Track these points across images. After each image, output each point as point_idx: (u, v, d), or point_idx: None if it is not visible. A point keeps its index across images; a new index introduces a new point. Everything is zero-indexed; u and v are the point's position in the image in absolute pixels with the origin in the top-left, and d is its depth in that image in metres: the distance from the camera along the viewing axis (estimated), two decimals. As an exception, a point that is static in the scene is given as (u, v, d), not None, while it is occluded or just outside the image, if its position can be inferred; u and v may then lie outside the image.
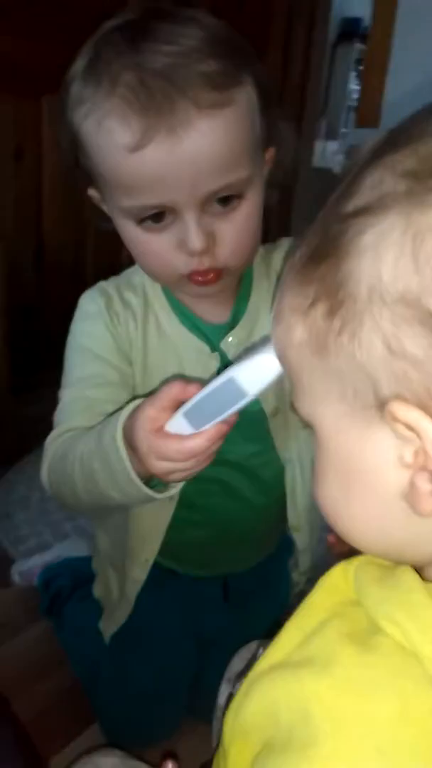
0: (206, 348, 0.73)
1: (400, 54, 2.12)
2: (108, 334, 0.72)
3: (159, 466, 0.56)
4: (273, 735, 0.32)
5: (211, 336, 0.75)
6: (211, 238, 0.63)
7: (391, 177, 0.31)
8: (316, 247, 0.34)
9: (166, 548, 0.82)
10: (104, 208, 0.71)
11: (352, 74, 5.44)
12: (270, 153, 0.70)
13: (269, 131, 0.67)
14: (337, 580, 0.39)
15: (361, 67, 2.78)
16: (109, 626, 0.89)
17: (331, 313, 0.32)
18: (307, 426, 0.38)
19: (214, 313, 0.75)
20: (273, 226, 3.24)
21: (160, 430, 0.55)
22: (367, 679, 0.31)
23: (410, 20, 2.08)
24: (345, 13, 5.36)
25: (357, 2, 5.17)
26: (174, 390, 0.55)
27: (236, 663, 0.55)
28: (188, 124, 0.57)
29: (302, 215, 3.98)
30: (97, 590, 0.94)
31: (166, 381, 0.63)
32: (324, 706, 0.31)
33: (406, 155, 0.31)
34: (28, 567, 1.19)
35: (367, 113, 2.21)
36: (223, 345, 0.74)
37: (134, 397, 0.68)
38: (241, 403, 0.50)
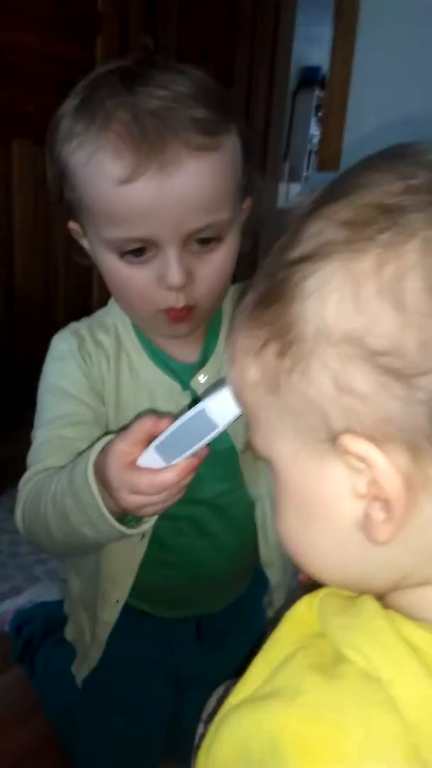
0: (177, 386, 0.74)
1: (357, 100, 2.21)
2: (81, 374, 0.73)
3: (131, 500, 0.56)
4: None
5: (182, 374, 0.76)
6: (189, 275, 0.65)
7: (331, 227, 0.33)
8: (264, 291, 0.36)
9: (137, 590, 0.80)
10: (84, 242, 0.72)
11: (313, 119, 5.65)
12: (247, 202, 0.72)
13: (248, 181, 0.70)
14: (302, 613, 0.39)
15: (320, 113, 2.87)
16: (82, 669, 0.87)
17: (282, 353, 0.34)
18: (266, 462, 0.40)
19: (185, 352, 0.76)
20: (238, 265, 3.29)
21: (132, 465, 0.56)
22: (332, 707, 0.31)
23: (367, 67, 2.17)
24: (304, 62, 5.58)
25: (316, 52, 5.38)
26: (146, 424, 0.56)
27: (212, 703, 0.55)
28: (179, 163, 0.59)
29: (267, 254, 4.04)
30: (69, 633, 0.93)
31: (139, 416, 0.63)
32: (292, 736, 0.31)
33: (344, 206, 0.33)
34: (0, 612, 1.17)
35: (328, 157, 2.28)
36: (193, 383, 0.75)
37: (107, 433, 0.68)
38: (211, 435, 0.51)
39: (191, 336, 0.74)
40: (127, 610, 0.82)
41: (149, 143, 0.59)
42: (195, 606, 0.90)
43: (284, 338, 0.34)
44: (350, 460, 0.32)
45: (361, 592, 0.37)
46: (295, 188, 4.93)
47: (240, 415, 0.48)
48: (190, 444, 0.52)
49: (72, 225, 0.71)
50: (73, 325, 0.78)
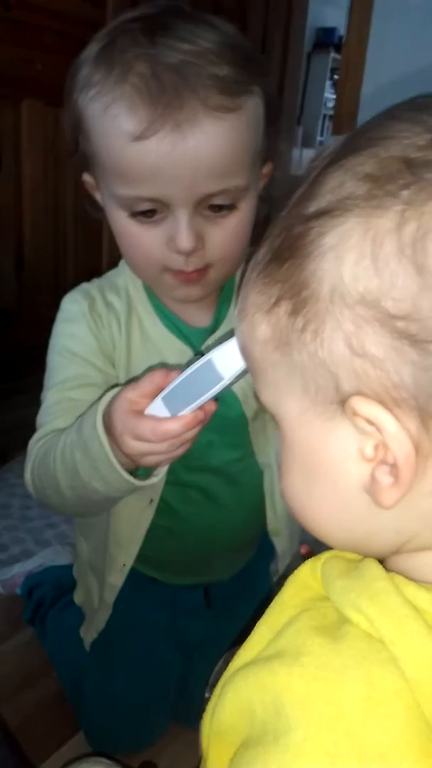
0: (188, 350, 0.73)
1: (374, 62, 2.15)
2: (91, 336, 0.72)
3: (133, 445, 0.56)
4: (249, 733, 0.33)
5: (193, 339, 0.75)
6: (200, 240, 0.63)
7: (352, 180, 0.32)
8: (279, 247, 0.35)
9: (146, 557, 0.81)
10: (97, 196, 0.70)
11: (328, 83, 5.53)
12: (268, 167, 0.70)
13: (270, 146, 0.68)
14: (305, 577, 0.39)
15: (336, 76, 2.81)
16: (90, 632, 0.88)
17: (295, 311, 0.33)
18: (273, 418, 0.39)
19: (196, 317, 0.75)
20: (252, 232, 3.25)
21: (137, 412, 0.56)
22: (335, 666, 0.31)
23: (385, 28, 2.11)
24: (320, 23, 5.45)
25: (331, 12, 5.25)
26: (156, 377, 0.56)
27: (219, 669, 0.55)
28: (194, 122, 0.58)
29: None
30: (78, 597, 0.93)
31: (150, 369, 0.63)
32: (295, 695, 0.31)
33: (366, 159, 0.32)
34: (11, 576, 1.18)
35: (343, 121, 2.23)
36: (204, 348, 0.74)
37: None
38: (217, 387, 0.50)
39: (204, 301, 0.73)
40: (136, 575, 0.82)
41: (166, 100, 0.57)
42: (203, 573, 0.90)
43: (298, 297, 0.33)
44: (359, 422, 0.32)
45: (363, 554, 0.37)
46: (309, 153, 4.85)
47: (246, 369, 0.47)
48: (196, 396, 0.52)
49: (86, 177, 0.70)
50: (84, 285, 0.76)
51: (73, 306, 0.74)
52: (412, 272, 0.29)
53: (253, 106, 0.62)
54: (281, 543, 0.85)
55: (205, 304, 0.74)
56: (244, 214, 0.66)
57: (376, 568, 0.34)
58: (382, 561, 0.36)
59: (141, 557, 0.80)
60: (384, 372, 0.30)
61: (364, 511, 0.34)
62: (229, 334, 0.48)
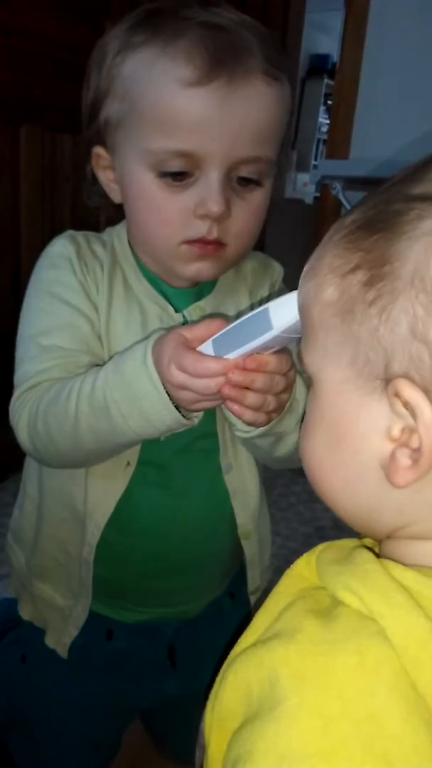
0: (170, 308, 0.72)
1: (367, 88, 2.19)
2: (77, 282, 0.69)
3: (175, 374, 0.55)
4: (246, 713, 0.34)
5: (174, 299, 0.73)
6: (227, 208, 0.63)
7: None
8: (372, 218, 0.36)
9: (104, 581, 0.75)
10: (105, 175, 0.69)
11: (322, 108, 5.61)
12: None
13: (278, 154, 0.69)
14: (300, 570, 0.41)
15: (329, 102, 2.85)
16: (66, 632, 0.78)
17: (369, 283, 0.34)
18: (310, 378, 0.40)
19: (179, 283, 0.73)
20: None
21: (187, 346, 0.55)
22: (328, 640, 0.33)
23: (377, 55, 2.15)
24: (313, 50, 5.53)
25: (325, 40, 5.34)
26: (213, 323, 0.55)
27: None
28: (248, 80, 0.59)
29: (275, 245, 4.04)
30: (26, 611, 0.83)
31: (128, 321, 0.66)
32: (290, 668, 0.33)
33: None
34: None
35: (337, 146, 2.27)
36: (189, 311, 0.73)
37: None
38: (264, 337, 0.50)
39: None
40: (89, 630, 0.77)
41: (223, 53, 0.58)
42: (166, 601, 0.81)
43: (378, 269, 0.34)
44: (396, 403, 0.33)
45: (364, 529, 0.40)
46: (303, 177, 4.90)
47: (297, 330, 0.48)
48: (243, 342, 0.52)
49: (99, 151, 0.68)
50: (70, 231, 0.74)
51: (59, 249, 0.71)
52: None
53: (287, 87, 0.64)
54: (251, 548, 0.81)
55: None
56: (265, 195, 0.66)
57: (366, 554, 0.37)
58: (377, 545, 0.40)
59: (98, 584, 0.75)
60: None
61: (375, 486, 0.36)
62: (287, 290, 0.48)
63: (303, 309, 0.40)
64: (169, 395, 0.57)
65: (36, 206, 1.87)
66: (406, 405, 0.33)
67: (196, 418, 0.61)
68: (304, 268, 0.40)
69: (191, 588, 0.81)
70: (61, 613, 0.78)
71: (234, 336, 0.53)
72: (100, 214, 0.77)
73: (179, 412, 0.58)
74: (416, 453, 0.33)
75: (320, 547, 0.41)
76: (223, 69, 0.58)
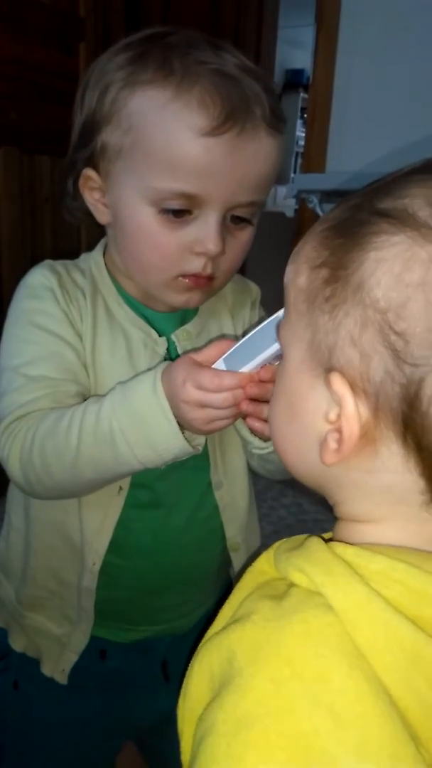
0: (153, 332, 0.72)
1: (341, 101, 2.22)
2: (59, 310, 0.70)
3: (193, 393, 0.56)
4: (211, 695, 0.36)
5: (156, 322, 0.74)
6: (223, 248, 0.65)
7: (424, 200, 0.36)
8: (343, 220, 0.39)
9: (101, 605, 0.75)
10: (92, 196, 0.70)
11: (299, 122, 5.67)
12: None
13: None
14: (261, 566, 0.44)
15: (306, 116, 2.88)
16: (61, 662, 0.77)
17: (328, 281, 0.38)
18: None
19: (159, 306, 0.74)
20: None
21: (201, 366, 0.58)
22: (278, 616, 0.36)
23: (349, 69, 2.18)
24: (288, 65, 5.61)
25: (300, 54, 5.41)
26: (222, 344, 0.59)
27: None
28: (256, 133, 0.62)
29: (255, 256, 4.06)
30: (18, 642, 0.81)
31: (114, 349, 0.69)
32: (244, 644, 0.36)
33: None
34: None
35: (312, 158, 2.29)
36: (174, 336, 0.74)
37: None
38: (275, 346, 0.53)
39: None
40: (85, 651, 0.76)
41: (236, 105, 0.60)
42: (158, 618, 0.81)
43: (336, 271, 0.37)
44: (332, 391, 0.37)
45: (321, 492, 0.44)
46: (282, 191, 4.93)
47: None
48: (255, 354, 0.55)
49: (89, 173, 0.69)
50: (49, 261, 0.74)
51: (39, 280, 0.71)
52: (422, 304, 0.34)
53: (283, 137, 0.67)
54: (239, 559, 0.82)
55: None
56: (252, 233, 0.69)
57: (315, 540, 0.41)
58: (336, 504, 0.44)
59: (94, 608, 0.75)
60: (365, 365, 0.36)
61: (317, 458, 0.40)
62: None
63: (285, 287, 0.44)
64: (179, 422, 0.59)
65: (16, 228, 1.88)
66: (337, 395, 0.37)
67: (200, 446, 0.63)
68: (295, 249, 0.44)
69: (184, 603, 0.82)
70: (57, 642, 0.78)
71: (244, 351, 0.56)
72: (80, 235, 0.77)
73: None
74: (341, 438, 0.37)
75: (278, 543, 0.45)
76: (236, 121, 0.60)
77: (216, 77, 0.61)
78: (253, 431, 0.64)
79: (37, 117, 1.84)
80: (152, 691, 0.82)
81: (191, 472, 0.76)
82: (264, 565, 0.44)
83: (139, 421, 0.60)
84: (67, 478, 0.65)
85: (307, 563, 0.38)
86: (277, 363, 0.56)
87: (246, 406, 0.57)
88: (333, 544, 0.39)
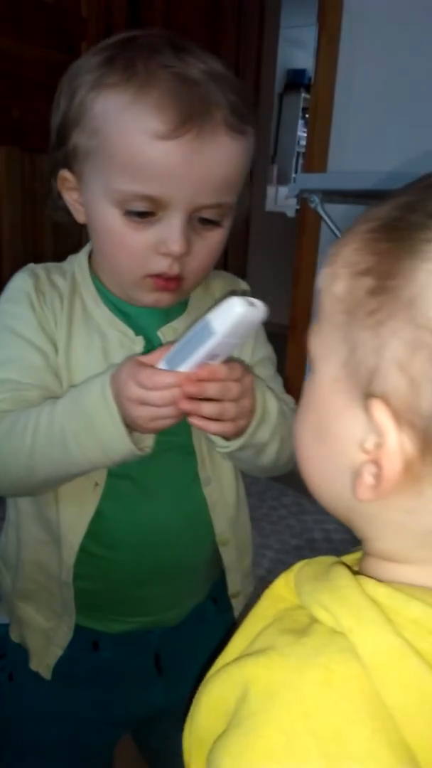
0: (130, 331, 0.73)
1: (343, 101, 2.22)
2: (32, 315, 0.71)
3: (133, 390, 0.58)
4: (223, 730, 0.34)
5: (139, 318, 0.75)
6: (188, 246, 0.66)
7: None
8: (393, 220, 0.34)
9: (82, 592, 0.75)
10: (69, 195, 0.72)
11: (300, 122, 5.67)
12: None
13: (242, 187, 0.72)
14: (279, 589, 0.41)
15: (308, 116, 2.88)
16: (49, 654, 0.78)
17: (374, 292, 0.33)
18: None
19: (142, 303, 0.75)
20: (231, 267, 3.30)
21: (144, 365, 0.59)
22: (298, 655, 0.33)
23: (351, 69, 2.18)
24: (290, 65, 5.61)
25: (301, 54, 5.41)
26: (165, 348, 0.59)
27: None
28: (214, 136, 0.62)
29: (257, 257, 4.07)
30: (14, 633, 0.84)
31: (90, 349, 0.69)
32: (260, 683, 0.33)
33: None
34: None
35: (314, 158, 2.29)
36: (161, 332, 0.75)
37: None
38: (209, 344, 0.53)
39: None
40: (75, 642, 0.77)
41: (193, 108, 0.61)
42: (150, 607, 0.81)
43: (383, 281, 0.33)
44: (372, 419, 0.33)
45: (345, 522, 0.40)
46: (284, 191, 4.94)
47: (235, 326, 0.51)
48: (192, 353, 0.55)
49: (65, 174, 0.70)
50: (31, 265, 0.76)
51: (17, 283, 0.74)
52: None
53: (250, 136, 0.67)
54: (228, 554, 0.82)
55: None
56: (223, 234, 0.69)
57: (342, 570, 0.36)
58: (355, 567, 0.40)
59: (81, 597, 0.76)
60: (413, 395, 0.31)
61: (348, 490, 0.35)
62: (226, 295, 0.51)
63: (319, 293, 0.39)
64: (126, 424, 0.60)
65: (17, 226, 1.88)
66: (378, 425, 0.32)
67: (149, 449, 0.64)
68: (330, 250, 0.39)
69: (172, 595, 0.82)
70: (44, 635, 0.79)
71: (182, 350, 0.56)
72: (81, 234, 0.78)
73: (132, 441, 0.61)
74: (380, 474, 0.33)
75: (298, 565, 0.41)
76: (193, 124, 0.60)
77: (175, 81, 0.61)
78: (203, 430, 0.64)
79: (39, 116, 1.84)
80: (145, 684, 0.82)
81: (176, 464, 0.77)
82: (282, 590, 0.41)
83: (88, 423, 0.62)
84: (21, 476, 0.67)
85: (335, 602, 0.34)
86: (216, 362, 0.57)
87: (184, 405, 0.57)
88: (363, 580, 0.35)
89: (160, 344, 0.74)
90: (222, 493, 0.80)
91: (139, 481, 0.76)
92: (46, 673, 0.79)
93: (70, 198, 0.71)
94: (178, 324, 0.76)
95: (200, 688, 0.38)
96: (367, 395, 0.33)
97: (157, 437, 0.70)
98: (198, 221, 0.66)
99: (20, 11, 1.80)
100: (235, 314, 0.51)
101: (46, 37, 1.90)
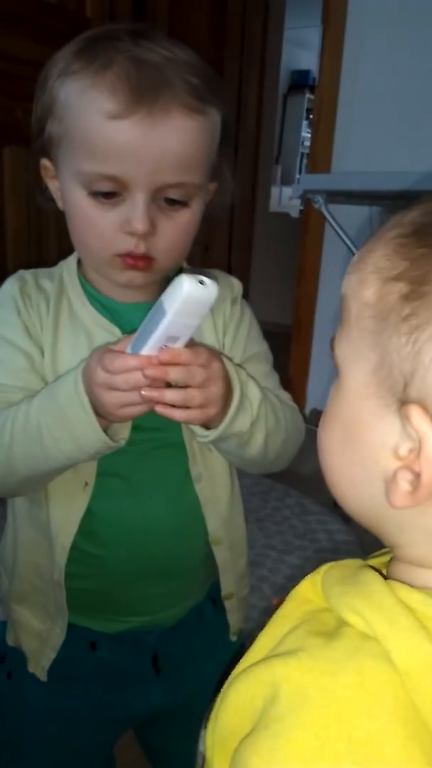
0: (117, 330, 0.74)
1: (347, 102, 2.22)
2: (18, 319, 0.73)
3: (100, 375, 0.59)
4: (250, 729, 0.34)
5: (127, 313, 0.75)
6: (153, 225, 0.67)
7: None
8: (424, 227, 0.34)
9: (85, 595, 0.76)
10: (53, 184, 0.74)
11: (304, 123, 5.67)
12: (213, 186, 0.75)
13: (219, 166, 0.73)
14: (305, 592, 0.41)
15: (312, 116, 2.89)
16: (44, 656, 0.78)
17: (408, 298, 0.33)
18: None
19: (133, 298, 0.76)
20: (235, 267, 3.30)
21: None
22: (329, 658, 0.33)
23: (355, 69, 2.18)
24: (294, 66, 5.61)
25: (305, 55, 5.41)
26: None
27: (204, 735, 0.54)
28: (167, 114, 0.63)
29: (261, 257, 4.06)
30: (11, 636, 0.83)
31: (75, 349, 0.70)
32: (291, 685, 0.33)
33: None
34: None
35: (319, 160, 2.29)
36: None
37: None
38: (163, 324, 0.54)
39: (142, 291, 0.74)
40: (71, 643, 0.77)
41: (144, 90, 0.62)
42: (146, 607, 0.81)
43: (418, 286, 0.32)
44: (407, 426, 0.33)
45: (372, 530, 0.39)
46: (288, 191, 4.94)
47: (184, 304, 0.52)
48: (149, 335, 0.56)
49: (45, 163, 0.73)
50: (21, 271, 0.78)
51: (6, 289, 0.75)
52: None
53: (213, 116, 0.68)
54: (222, 554, 0.81)
55: (143, 293, 0.76)
56: (193, 215, 0.70)
57: (372, 574, 0.36)
58: (383, 570, 0.39)
59: (77, 597, 0.76)
60: None
61: (379, 496, 0.35)
62: (177, 274, 0.52)
63: (344, 298, 0.38)
64: (99, 414, 0.61)
65: (22, 227, 1.88)
66: (416, 432, 0.32)
67: (123, 440, 0.65)
68: (355, 256, 0.39)
69: (168, 594, 0.82)
70: (38, 638, 0.79)
71: (142, 334, 0.57)
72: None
73: (108, 434, 0.62)
74: (416, 480, 0.33)
75: (325, 567, 0.41)
76: (143, 103, 0.62)
77: (131, 64, 0.63)
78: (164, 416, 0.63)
79: (43, 116, 1.84)
80: (143, 684, 0.82)
81: (167, 461, 0.77)
82: (309, 592, 0.41)
83: (61, 416, 0.63)
84: (2, 475, 0.69)
85: (367, 607, 0.34)
86: (178, 345, 0.57)
87: (147, 391, 0.58)
88: (395, 585, 0.35)
89: None
90: (214, 490, 0.80)
91: (129, 478, 0.76)
92: (42, 675, 0.79)
93: (54, 186, 0.73)
94: None
95: (225, 687, 0.38)
96: (403, 401, 0.33)
97: (148, 434, 0.72)
98: (164, 202, 0.67)
99: (23, 11, 1.81)
100: (184, 292, 0.51)
101: (50, 38, 1.90)
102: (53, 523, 0.75)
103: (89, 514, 0.74)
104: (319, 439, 0.41)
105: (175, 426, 0.74)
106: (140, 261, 0.69)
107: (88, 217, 0.68)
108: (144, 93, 0.62)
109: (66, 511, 0.74)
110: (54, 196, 0.74)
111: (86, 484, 0.73)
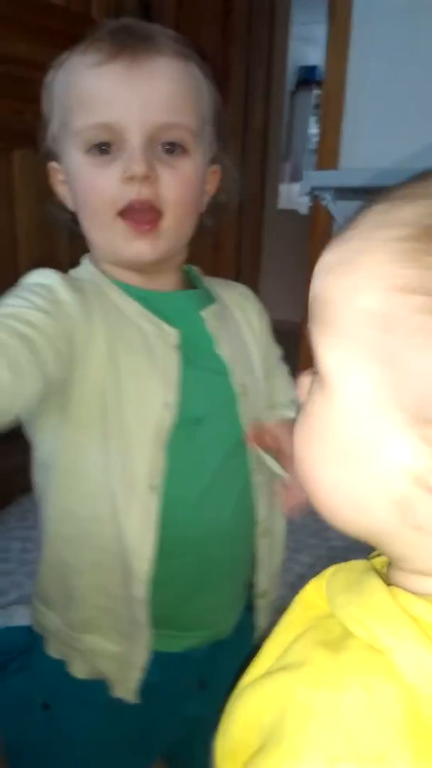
0: (164, 325, 0.71)
1: (353, 98, 2.21)
2: (65, 288, 0.66)
3: None
4: (258, 745, 0.33)
5: (164, 304, 0.73)
6: (153, 172, 0.66)
7: None
8: (430, 228, 0.30)
9: (151, 612, 0.72)
10: (63, 189, 0.74)
11: (312, 119, 5.65)
12: (216, 172, 0.76)
13: (218, 152, 0.75)
14: (311, 596, 0.40)
15: (319, 112, 2.88)
16: (128, 679, 0.74)
17: (421, 310, 0.29)
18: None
19: (161, 284, 0.75)
20: (244, 265, 3.30)
21: None
22: (335, 673, 0.32)
23: (362, 65, 2.17)
24: (302, 62, 5.58)
25: (313, 51, 5.39)
26: None
27: None
28: (149, 58, 0.66)
29: (271, 255, 4.06)
30: (80, 669, 0.77)
31: (137, 363, 0.68)
32: (297, 702, 0.32)
33: None
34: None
35: (326, 156, 2.28)
36: (203, 312, 0.75)
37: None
38: None
39: (164, 269, 0.74)
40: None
41: (126, 40, 0.66)
42: (208, 615, 0.79)
43: None
44: (426, 445, 0.30)
45: (372, 544, 0.37)
46: (297, 188, 4.92)
47: None
48: None
49: (53, 165, 0.74)
50: (41, 269, 0.71)
51: (41, 276, 0.69)
52: None
53: (198, 72, 0.71)
54: (263, 547, 0.79)
55: (166, 271, 0.75)
56: (195, 166, 0.70)
57: (376, 582, 0.35)
58: (385, 569, 0.38)
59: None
60: None
61: (387, 518, 0.33)
62: None
63: (328, 302, 0.34)
64: None
65: (33, 231, 1.89)
66: None
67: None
68: (332, 256, 0.35)
69: (228, 601, 0.81)
70: (117, 660, 0.75)
71: None
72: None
73: None
74: None
75: (329, 570, 0.40)
76: (126, 50, 0.65)
77: (117, 27, 0.68)
78: None
79: (52, 119, 1.85)
80: (185, 700, 0.80)
81: (236, 464, 0.76)
82: (314, 596, 0.40)
83: None
84: None
85: (371, 618, 0.33)
86: None
87: None
88: (398, 593, 0.34)
89: (202, 327, 0.75)
90: (263, 474, 0.77)
91: (201, 485, 0.74)
92: (132, 698, 0.75)
93: (64, 191, 0.74)
94: (216, 308, 0.77)
95: (232, 700, 0.37)
96: (425, 420, 0.30)
97: (206, 426, 0.73)
98: (162, 150, 0.67)
99: (29, 14, 1.81)
100: None
101: (56, 40, 1.90)
102: (127, 536, 0.70)
103: (160, 526, 0.70)
104: (299, 452, 0.37)
105: (232, 416, 0.75)
106: (146, 216, 0.67)
107: (88, 179, 0.68)
108: (126, 42, 0.65)
109: (139, 520, 0.70)
110: (64, 201, 0.74)
111: (151, 487, 0.69)
